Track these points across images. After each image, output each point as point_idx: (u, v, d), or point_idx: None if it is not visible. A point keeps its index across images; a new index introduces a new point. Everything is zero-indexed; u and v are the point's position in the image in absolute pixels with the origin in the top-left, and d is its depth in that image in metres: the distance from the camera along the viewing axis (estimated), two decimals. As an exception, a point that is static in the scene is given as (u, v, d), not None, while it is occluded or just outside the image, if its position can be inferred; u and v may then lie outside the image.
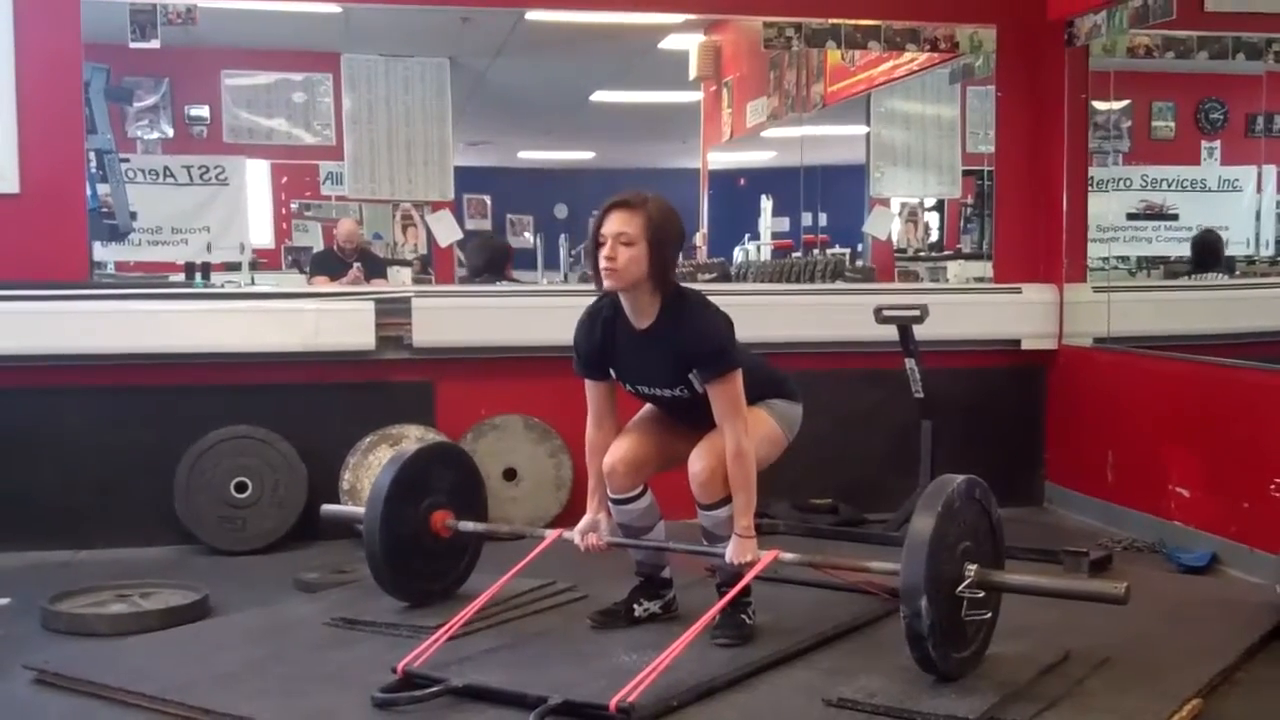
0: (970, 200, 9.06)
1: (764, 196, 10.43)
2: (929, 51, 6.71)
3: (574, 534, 4.15)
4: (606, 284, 3.85)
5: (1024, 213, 6.54)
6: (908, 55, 7.41)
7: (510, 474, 5.86)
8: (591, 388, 4.10)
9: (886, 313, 5.29)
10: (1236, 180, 7.92)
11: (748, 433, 3.87)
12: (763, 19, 6.38)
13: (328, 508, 4.81)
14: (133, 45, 5.82)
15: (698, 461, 3.92)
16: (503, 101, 11.48)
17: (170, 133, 9.27)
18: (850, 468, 6.16)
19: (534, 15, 7.16)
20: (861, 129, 8.83)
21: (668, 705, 3.44)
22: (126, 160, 8.06)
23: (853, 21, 6.41)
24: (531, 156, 15.92)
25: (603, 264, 3.80)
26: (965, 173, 8.58)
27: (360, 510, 4.44)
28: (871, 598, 4.39)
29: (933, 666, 3.52)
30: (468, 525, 4.44)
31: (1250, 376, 5.23)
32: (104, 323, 5.49)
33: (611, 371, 4.03)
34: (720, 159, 11.00)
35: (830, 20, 6.37)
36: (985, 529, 3.70)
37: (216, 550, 5.57)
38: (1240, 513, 5.08)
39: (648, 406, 4.17)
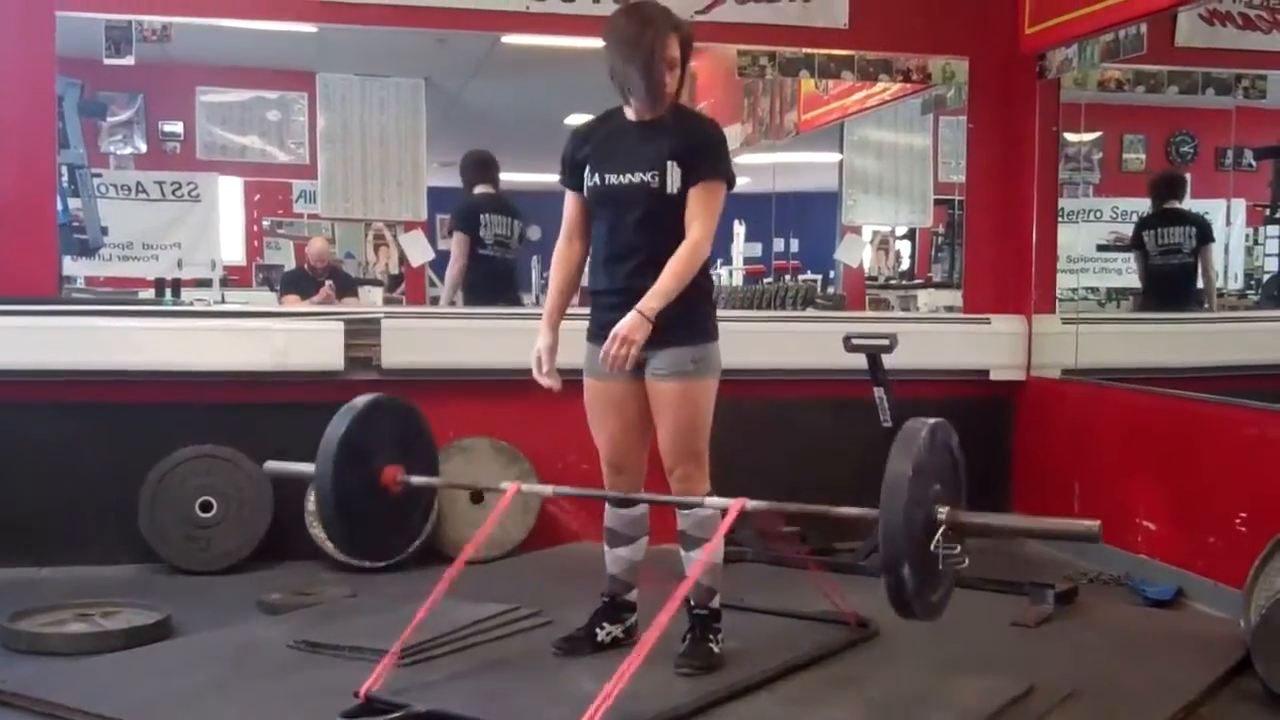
0: (941, 229, 9.08)
1: (736, 221, 10.42)
2: (902, 82, 6.74)
3: (531, 365, 4.09)
4: (649, 113, 3.90)
5: (994, 243, 6.55)
6: (880, 85, 7.43)
7: (477, 497, 5.82)
8: (571, 199, 4.11)
9: (855, 341, 5.28)
10: (1206, 214, 7.97)
11: (709, 235, 3.86)
12: (737, 47, 6.39)
13: (272, 464, 4.52)
14: (108, 61, 5.79)
15: (668, 461, 3.98)
16: (477, 123, 11.40)
17: (143, 148, 9.22)
18: (818, 496, 6.10)
19: (510, 39, 7.15)
20: (834, 156, 8.85)
21: (630, 734, 3.42)
22: (99, 175, 8.02)
23: (826, 51, 6.43)
24: (505, 179, 15.85)
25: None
26: (937, 202, 8.59)
27: (305, 466, 4.20)
28: (838, 627, 4.40)
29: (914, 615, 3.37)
30: (419, 480, 4.15)
31: (1217, 410, 5.25)
32: (72, 339, 5.45)
33: (586, 170, 4.00)
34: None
35: (804, 50, 6.39)
36: (948, 466, 3.59)
37: (180, 570, 5.52)
38: (1205, 546, 5.10)
39: (596, 413, 4.10)
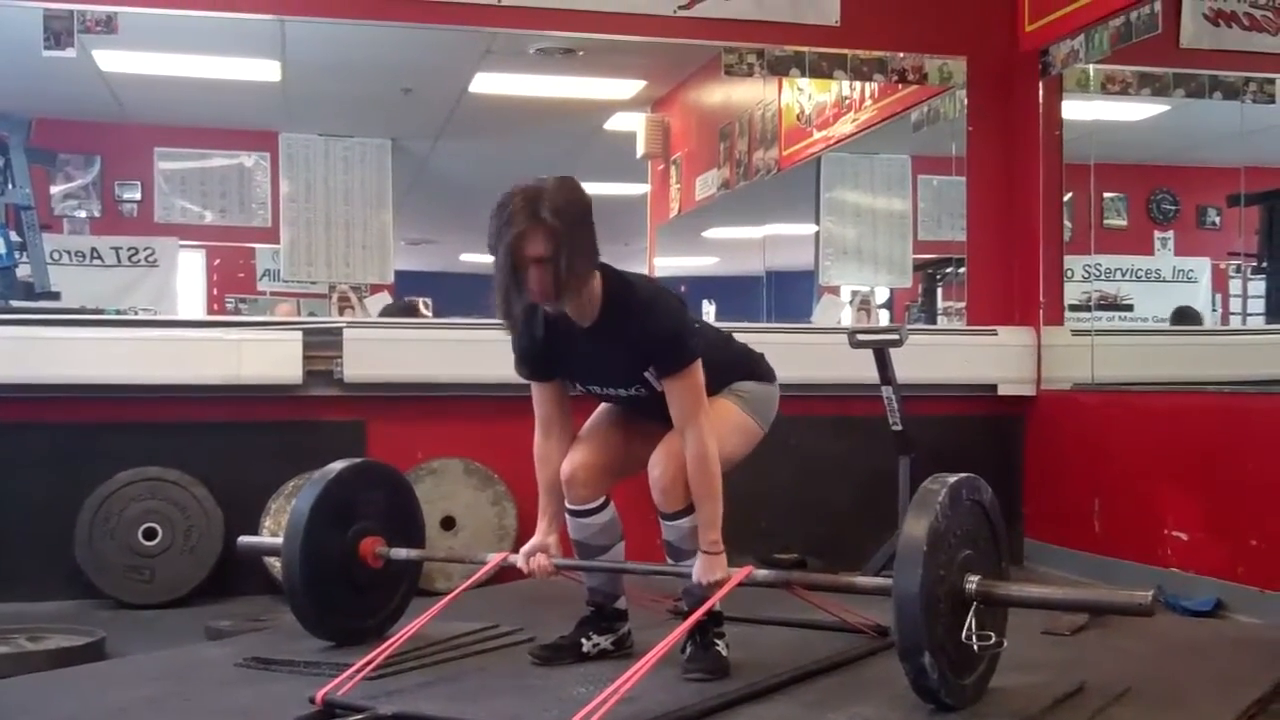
0: (920, 298, 8.74)
1: (706, 301, 10.13)
2: (897, 82, 6.42)
3: (519, 556, 3.66)
4: (582, 320, 3.39)
5: (997, 251, 6.29)
6: (867, 110, 7.13)
7: (449, 523, 5.39)
8: (538, 390, 3.60)
9: (861, 337, 4.88)
10: (1191, 271, 7.68)
11: (711, 432, 3.40)
12: (723, 45, 6.10)
13: (245, 539, 4.25)
14: (46, 54, 5.39)
15: (658, 465, 3.44)
16: (445, 193, 11.25)
17: (98, 213, 8.90)
18: (818, 520, 5.75)
19: (477, 88, 6.93)
20: (811, 228, 8.54)
21: (633, 733, 2.95)
22: (47, 227, 7.67)
23: (817, 50, 6.12)
24: (474, 260, 15.70)
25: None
26: (916, 266, 8.26)
27: (279, 541, 3.93)
28: (855, 636, 3.96)
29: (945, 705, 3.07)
30: (401, 553, 3.93)
31: (1257, 403, 4.89)
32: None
33: (558, 371, 3.57)
34: (664, 264, 10.74)
35: (793, 48, 6.08)
36: (983, 531, 3.22)
37: (122, 603, 5.09)
38: (1247, 552, 4.73)
39: (605, 405, 3.71)
